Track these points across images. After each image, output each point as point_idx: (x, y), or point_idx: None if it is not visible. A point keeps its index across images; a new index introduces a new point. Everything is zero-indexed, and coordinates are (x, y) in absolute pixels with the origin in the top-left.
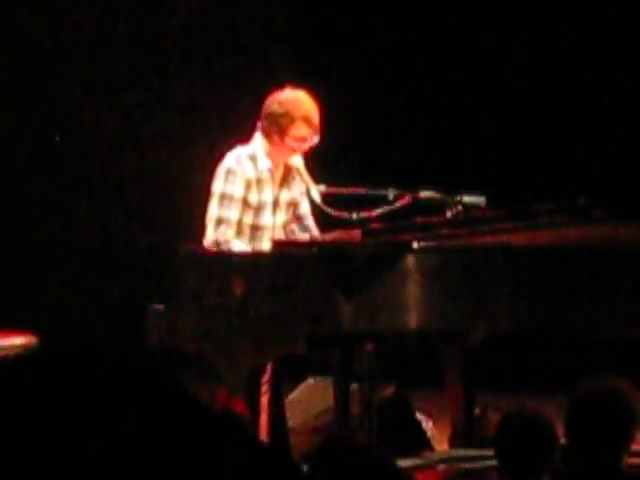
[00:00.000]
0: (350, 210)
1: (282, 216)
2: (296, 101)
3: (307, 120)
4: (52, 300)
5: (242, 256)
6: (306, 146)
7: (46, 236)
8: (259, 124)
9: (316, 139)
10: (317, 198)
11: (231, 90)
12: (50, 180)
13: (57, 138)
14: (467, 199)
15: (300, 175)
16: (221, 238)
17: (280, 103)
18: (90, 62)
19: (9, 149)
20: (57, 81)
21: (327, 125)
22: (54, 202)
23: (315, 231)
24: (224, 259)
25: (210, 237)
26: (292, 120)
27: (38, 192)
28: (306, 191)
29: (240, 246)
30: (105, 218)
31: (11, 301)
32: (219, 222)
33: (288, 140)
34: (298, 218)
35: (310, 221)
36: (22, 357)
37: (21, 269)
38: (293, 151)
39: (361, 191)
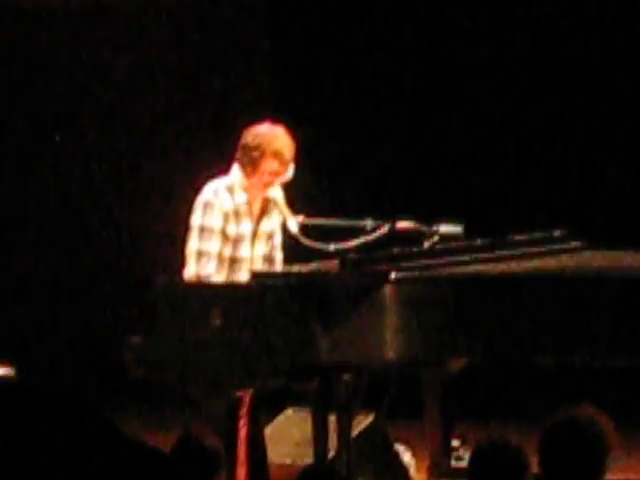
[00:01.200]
0: (328, 241)
1: (261, 247)
2: (269, 135)
3: (277, 155)
4: (32, 331)
5: (220, 287)
6: (279, 180)
7: (28, 267)
8: (237, 154)
9: (289, 174)
10: (294, 229)
11: (211, 124)
12: (33, 210)
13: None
14: (444, 229)
15: (277, 207)
16: (202, 273)
17: (254, 136)
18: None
19: None
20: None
21: (306, 157)
22: (36, 232)
23: (279, 265)
24: (202, 290)
25: (192, 270)
26: (263, 154)
27: (18, 221)
28: (282, 222)
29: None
30: (84, 250)
31: None
32: (200, 255)
33: (258, 173)
34: (270, 250)
35: (278, 255)
36: None
37: (2, 300)
38: (266, 184)
39: (339, 222)
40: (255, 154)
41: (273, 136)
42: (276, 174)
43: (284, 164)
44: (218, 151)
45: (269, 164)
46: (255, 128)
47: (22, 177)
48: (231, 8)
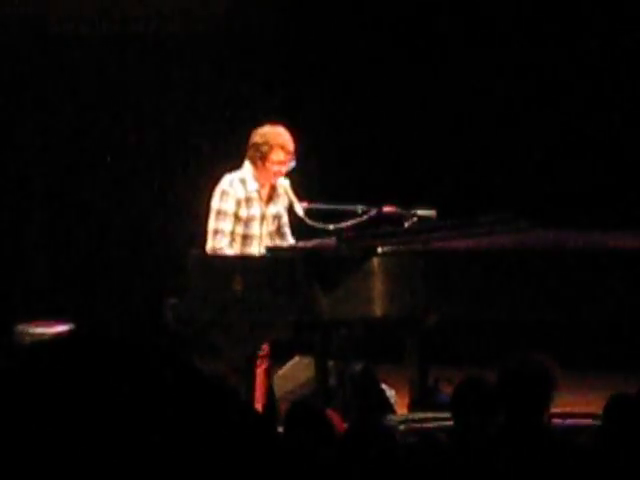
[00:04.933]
0: (327, 222)
1: (269, 227)
2: (274, 132)
3: (283, 147)
4: (89, 295)
5: (241, 259)
6: (284, 169)
7: (90, 244)
8: (247, 152)
9: (292, 163)
10: (301, 213)
11: (224, 126)
12: (98, 195)
13: (108, 158)
14: (421, 212)
15: (287, 194)
16: (217, 246)
17: (261, 135)
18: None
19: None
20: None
21: (307, 153)
22: (98, 212)
23: (290, 239)
24: (226, 261)
25: (209, 245)
26: (271, 147)
27: (86, 202)
28: (289, 207)
29: (231, 253)
30: (133, 231)
31: (55, 293)
32: (215, 232)
33: (269, 164)
34: (279, 227)
35: (287, 231)
36: (55, 340)
37: (72, 267)
38: (275, 174)
39: (336, 207)
40: (264, 148)
41: (277, 133)
42: (283, 163)
43: (288, 154)
44: (238, 144)
45: (276, 155)
46: (260, 129)
47: (74, 154)
48: (246, 32)
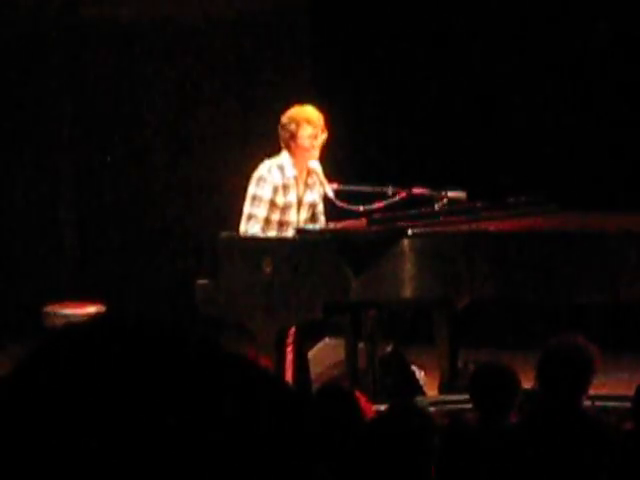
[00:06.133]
0: (357, 204)
1: (305, 214)
2: (299, 110)
3: (309, 121)
4: (119, 276)
5: (270, 241)
6: (316, 142)
7: (120, 225)
8: (280, 139)
9: (324, 136)
10: (331, 194)
11: (256, 116)
12: (127, 176)
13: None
14: (451, 194)
15: (317, 176)
16: (250, 231)
17: (287, 116)
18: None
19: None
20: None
21: (338, 135)
22: (128, 194)
23: (323, 223)
24: (256, 243)
25: (242, 229)
26: (298, 124)
27: (116, 183)
28: (322, 189)
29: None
30: (163, 213)
31: (86, 276)
32: (249, 217)
33: (299, 141)
34: (313, 217)
35: (323, 218)
36: (89, 321)
37: (102, 248)
38: (308, 149)
39: (366, 188)
40: (292, 126)
41: (302, 110)
42: (313, 137)
43: (316, 127)
44: (271, 128)
45: (304, 130)
46: (287, 112)
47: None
48: (275, 16)
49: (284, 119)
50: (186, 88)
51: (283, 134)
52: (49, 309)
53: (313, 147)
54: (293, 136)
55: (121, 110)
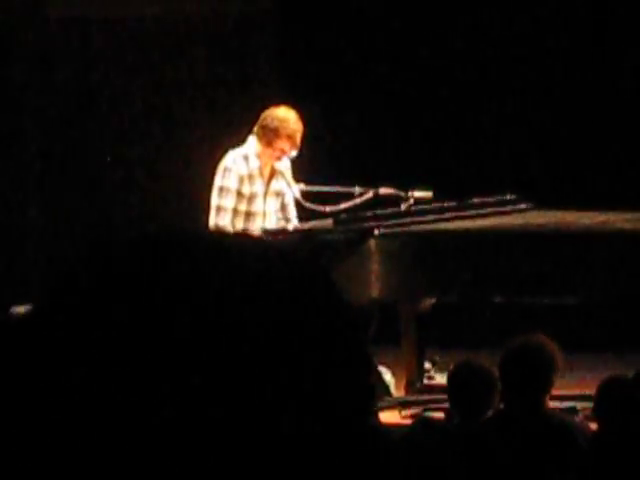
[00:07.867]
0: (324, 204)
1: (272, 203)
2: (286, 121)
3: (290, 138)
4: None
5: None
6: (284, 157)
7: (89, 227)
8: (254, 129)
9: (294, 153)
10: (297, 195)
11: (228, 104)
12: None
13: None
14: (417, 194)
15: (283, 176)
16: (220, 223)
17: (273, 119)
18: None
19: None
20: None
21: (306, 138)
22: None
23: (294, 216)
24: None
25: (212, 222)
26: (279, 135)
27: (88, 185)
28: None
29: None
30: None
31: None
32: (218, 209)
33: (271, 149)
34: (282, 207)
35: (292, 209)
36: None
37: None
38: (276, 158)
39: (332, 189)
40: (272, 134)
41: (289, 121)
42: (284, 152)
43: (294, 146)
44: (241, 119)
45: (282, 144)
46: (274, 111)
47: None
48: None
49: (269, 120)
50: (154, 87)
51: (261, 132)
52: (16, 310)
53: (279, 160)
54: (269, 142)
55: (86, 110)
